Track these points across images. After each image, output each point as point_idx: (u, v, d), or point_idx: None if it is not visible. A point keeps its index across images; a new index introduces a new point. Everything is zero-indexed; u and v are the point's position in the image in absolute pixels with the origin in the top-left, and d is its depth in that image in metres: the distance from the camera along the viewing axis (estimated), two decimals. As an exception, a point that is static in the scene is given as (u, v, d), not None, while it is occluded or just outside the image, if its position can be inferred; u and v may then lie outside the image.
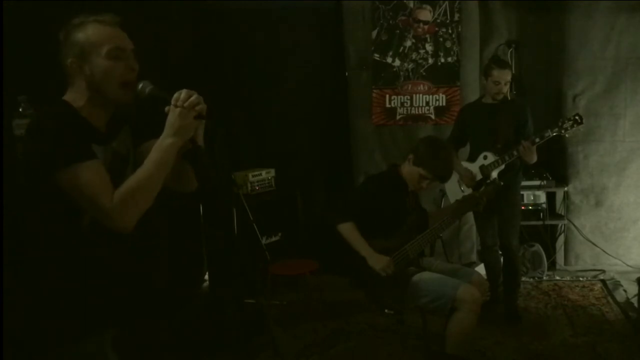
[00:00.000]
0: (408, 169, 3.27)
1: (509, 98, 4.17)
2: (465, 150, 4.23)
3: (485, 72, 3.99)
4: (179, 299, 4.24)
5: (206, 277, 4.74)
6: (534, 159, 3.86)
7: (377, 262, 3.05)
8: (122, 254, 1.82)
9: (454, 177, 4.21)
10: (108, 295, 1.81)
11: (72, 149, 1.63)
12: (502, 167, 3.93)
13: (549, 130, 3.82)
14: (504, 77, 3.90)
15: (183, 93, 1.71)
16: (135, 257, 1.85)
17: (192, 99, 1.71)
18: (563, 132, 3.83)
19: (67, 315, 1.73)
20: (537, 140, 3.81)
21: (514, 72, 5.04)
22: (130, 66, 1.76)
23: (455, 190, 4.25)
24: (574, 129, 3.82)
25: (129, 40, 1.79)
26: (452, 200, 4.30)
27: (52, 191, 1.65)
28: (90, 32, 1.73)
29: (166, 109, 1.72)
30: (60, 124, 1.66)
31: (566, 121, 3.83)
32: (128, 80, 1.75)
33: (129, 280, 1.85)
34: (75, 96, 1.75)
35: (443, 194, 4.64)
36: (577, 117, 3.82)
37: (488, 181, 3.76)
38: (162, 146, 1.71)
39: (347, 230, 3.12)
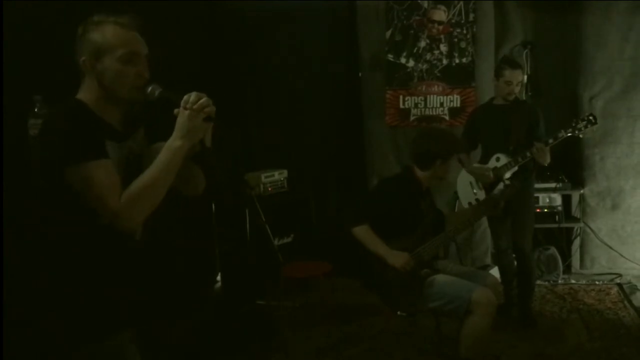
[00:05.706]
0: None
1: (521, 99, 4.11)
2: (477, 152, 4.18)
3: (497, 73, 3.95)
4: (192, 300, 4.24)
5: (218, 278, 4.74)
6: (548, 160, 3.80)
7: (397, 259, 3.03)
8: (136, 254, 1.82)
9: (467, 179, 4.19)
10: (123, 295, 1.81)
11: (82, 147, 1.64)
12: (515, 168, 3.88)
13: (563, 131, 3.77)
14: (516, 77, 3.85)
15: (192, 95, 1.71)
16: (149, 258, 1.85)
17: (201, 101, 1.71)
18: (577, 132, 3.77)
19: (85, 315, 1.73)
20: (551, 141, 3.75)
21: (529, 73, 5.00)
22: (140, 73, 1.77)
23: (467, 192, 4.21)
24: (587, 129, 3.77)
25: (144, 45, 1.80)
26: (464, 202, 4.26)
27: (68, 190, 1.65)
28: (108, 33, 1.73)
29: (175, 111, 1.73)
30: (72, 122, 1.67)
31: (580, 121, 3.77)
32: (137, 86, 1.76)
33: (143, 281, 1.85)
34: (87, 93, 1.77)
35: (457, 196, 4.60)
36: (590, 117, 3.77)
37: (507, 184, 3.71)
38: (171, 148, 1.71)
39: (363, 232, 3.10)
